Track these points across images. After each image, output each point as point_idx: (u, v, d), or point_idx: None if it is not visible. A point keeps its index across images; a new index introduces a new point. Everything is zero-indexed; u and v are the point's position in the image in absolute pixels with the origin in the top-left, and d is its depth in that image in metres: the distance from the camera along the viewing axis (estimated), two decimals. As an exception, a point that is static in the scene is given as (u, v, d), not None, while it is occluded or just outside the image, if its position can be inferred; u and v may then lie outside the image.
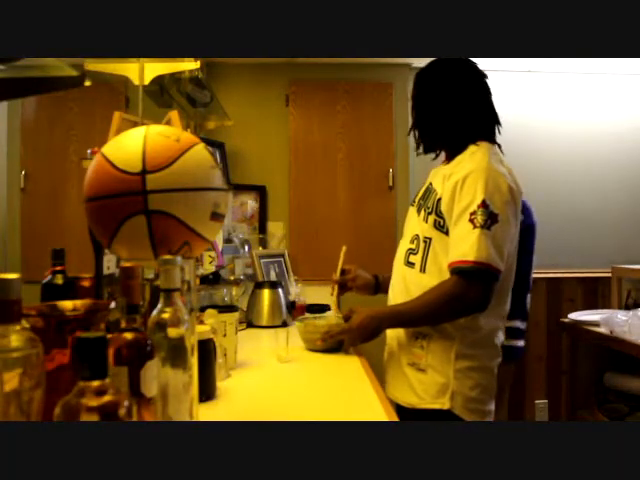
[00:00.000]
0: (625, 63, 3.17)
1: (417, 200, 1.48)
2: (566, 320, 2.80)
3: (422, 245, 1.39)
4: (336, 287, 1.67)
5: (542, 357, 3.16)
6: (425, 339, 1.38)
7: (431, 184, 1.44)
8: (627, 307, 2.86)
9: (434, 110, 1.44)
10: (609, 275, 3.04)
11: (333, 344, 1.56)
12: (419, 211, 1.43)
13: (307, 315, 1.90)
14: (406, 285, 1.43)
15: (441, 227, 1.35)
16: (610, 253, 3.19)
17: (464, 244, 1.28)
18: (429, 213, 1.38)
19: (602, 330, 2.49)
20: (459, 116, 1.42)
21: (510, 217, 1.30)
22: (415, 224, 1.44)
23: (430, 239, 1.37)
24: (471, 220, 1.28)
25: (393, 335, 1.48)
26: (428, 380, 1.37)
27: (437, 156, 1.52)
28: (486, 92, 1.47)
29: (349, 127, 3.18)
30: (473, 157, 1.37)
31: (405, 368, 1.42)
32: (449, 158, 1.47)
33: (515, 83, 3.27)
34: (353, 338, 1.44)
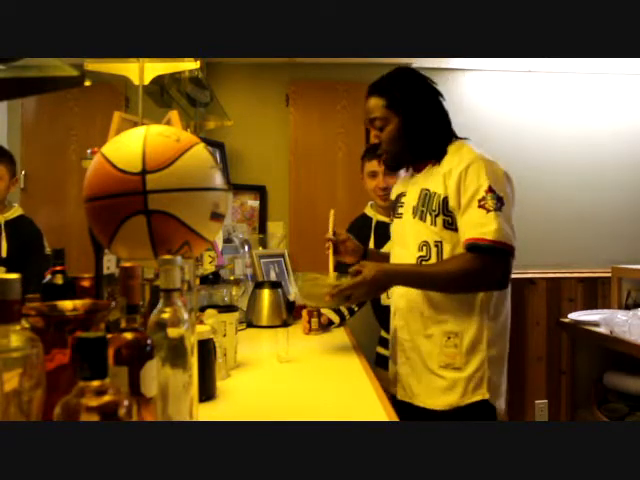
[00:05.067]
0: (625, 63, 3.17)
1: (413, 209, 1.46)
2: (566, 320, 2.80)
3: (434, 250, 1.41)
4: (331, 246, 1.62)
5: (542, 357, 3.16)
6: (458, 337, 1.40)
7: (427, 189, 1.43)
8: (627, 307, 2.86)
9: (424, 118, 1.45)
10: (609, 275, 3.04)
11: (340, 300, 1.45)
12: (423, 217, 1.43)
13: (306, 273, 1.78)
14: (421, 291, 1.43)
15: (450, 225, 1.39)
16: (610, 253, 3.19)
17: (480, 226, 1.31)
18: (436, 215, 1.40)
19: (602, 330, 2.49)
20: (440, 120, 1.47)
21: (510, 199, 1.38)
22: (420, 231, 1.43)
23: (441, 242, 1.40)
24: (482, 206, 1.32)
25: (414, 345, 1.45)
26: (466, 376, 1.39)
27: (405, 169, 1.58)
28: (438, 93, 1.51)
29: (349, 127, 3.18)
30: (462, 152, 1.41)
31: (439, 372, 1.41)
32: (421, 166, 1.49)
33: (515, 83, 3.27)
34: (365, 292, 1.40)
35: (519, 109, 3.25)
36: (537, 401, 3.16)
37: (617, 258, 3.10)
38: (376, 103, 1.46)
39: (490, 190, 1.33)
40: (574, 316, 2.76)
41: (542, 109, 3.28)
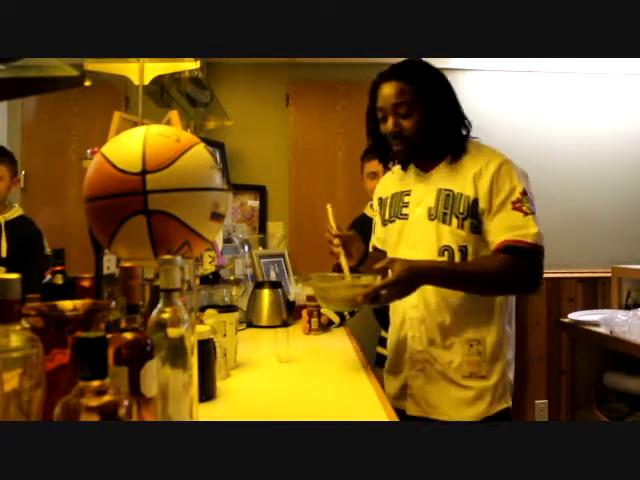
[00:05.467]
0: (625, 63, 3.17)
1: (430, 211, 1.36)
2: (566, 320, 2.80)
3: (458, 255, 1.33)
4: (340, 245, 1.39)
5: (542, 357, 3.16)
6: (480, 344, 1.35)
7: (450, 190, 1.35)
8: (627, 307, 2.86)
9: (449, 111, 1.37)
10: (609, 275, 3.04)
11: (369, 302, 1.27)
12: (445, 220, 1.34)
13: (318, 274, 1.44)
14: (444, 298, 1.35)
15: (476, 229, 1.33)
16: (610, 253, 3.19)
17: (518, 229, 1.27)
18: (464, 218, 1.32)
19: (602, 330, 2.49)
20: (461, 116, 1.40)
21: (534, 200, 1.35)
22: (442, 235, 1.34)
23: (466, 246, 1.33)
24: (518, 208, 1.29)
25: (430, 356, 1.37)
26: (493, 384, 1.35)
27: (401, 166, 1.47)
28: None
29: (349, 127, 3.18)
30: (484, 151, 1.37)
31: (463, 382, 1.35)
32: (430, 163, 1.40)
33: (515, 83, 3.27)
34: (397, 292, 1.25)
35: (519, 109, 3.25)
36: (537, 401, 3.16)
37: (617, 258, 3.10)
38: (403, 88, 1.33)
39: (525, 193, 1.31)
40: (574, 316, 2.76)
41: (542, 109, 3.28)
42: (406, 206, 1.44)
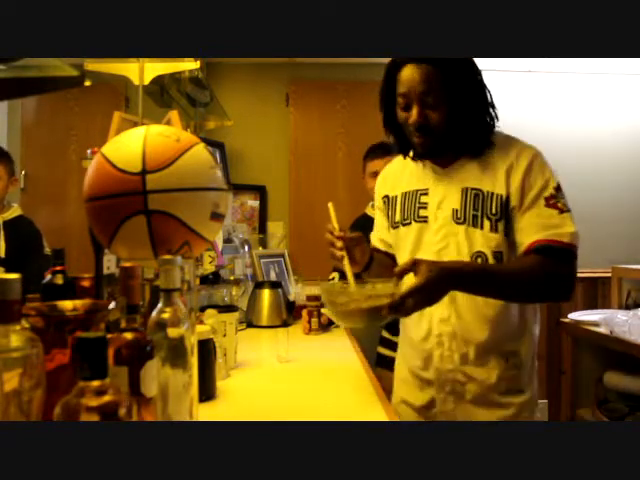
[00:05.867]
0: (625, 63, 3.17)
1: (455, 213, 1.22)
2: (566, 320, 2.80)
3: (493, 262, 1.19)
4: (344, 249, 1.23)
5: (542, 357, 3.16)
6: (517, 356, 1.23)
7: (479, 189, 1.20)
8: (627, 307, 2.86)
9: (480, 102, 1.21)
10: (609, 275, 3.04)
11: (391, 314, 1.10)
12: (477, 224, 1.19)
13: (324, 285, 1.28)
14: (477, 307, 1.20)
15: (507, 234, 1.19)
16: (610, 253, 3.19)
17: (554, 227, 1.16)
18: (498, 220, 1.18)
19: (602, 330, 2.49)
20: (490, 105, 1.24)
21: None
22: (474, 240, 1.20)
23: (501, 252, 1.19)
24: (552, 205, 1.17)
25: (462, 375, 1.23)
26: (531, 397, 1.26)
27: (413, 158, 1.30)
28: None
29: (349, 127, 3.18)
30: (513, 143, 1.23)
31: (501, 400, 1.22)
32: (449, 159, 1.24)
33: (515, 83, 3.27)
34: (425, 299, 1.06)
35: (519, 109, 3.25)
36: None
37: (617, 258, 3.11)
38: (430, 72, 1.14)
39: (559, 187, 1.19)
40: (574, 316, 2.77)
41: (542, 109, 3.28)
42: (424, 207, 1.26)
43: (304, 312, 2.03)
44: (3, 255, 2.14)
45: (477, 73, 1.21)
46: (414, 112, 1.17)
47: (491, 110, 1.23)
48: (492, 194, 1.19)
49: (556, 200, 1.18)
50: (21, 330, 0.62)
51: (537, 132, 3.27)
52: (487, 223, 1.19)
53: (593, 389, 2.71)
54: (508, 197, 1.18)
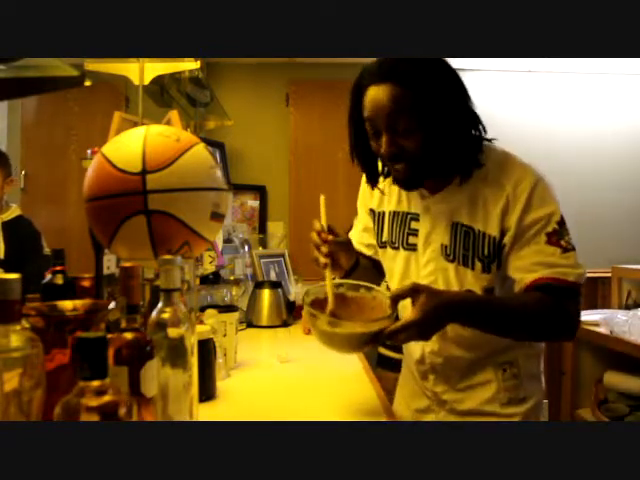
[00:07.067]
0: (625, 63, 3.17)
1: (444, 249, 1.12)
2: (566, 320, 2.80)
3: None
4: (328, 256, 1.13)
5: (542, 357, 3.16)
6: (514, 366, 1.18)
7: (470, 227, 1.09)
8: (627, 307, 2.86)
9: (460, 122, 1.05)
10: (609, 275, 3.04)
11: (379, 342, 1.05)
12: (468, 264, 1.10)
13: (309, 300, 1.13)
14: (463, 329, 1.11)
15: (499, 268, 1.10)
16: (610, 253, 3.19)
17: (556, 267, 1.06)
18: (490, 262, 1.08)
19: (602, 330, 2.49)
20: (476, 120, 1.09)
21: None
22: (464, 279, 1.10)
23: (492, 289, 1.10)
24: (555, 243, 1.06)
25: (460, 395, 1.18)
26: (535, 403, 1.23)
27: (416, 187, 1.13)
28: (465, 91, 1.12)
29: (349, 127, 3.18)
30: (508, 168, 1.09)
31: (502, 411, 1.17)
32: (439, 183, 1.12)
33: (515, 83, 3.27)
34: (420, 333, 0.97)
35: (519, 109, 3.25)
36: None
37: (617, 258, 3.10)
38: (401, 97, 0.99)
39: (563, 221, 1.07)
40: (574, 316, 2.76)
41: (542, 109, 3.28)
42: (414, 234, 1.16)
43: (304, 312, 2.03)
44: (2, 256, 2.14)
45: (455, 85, 1.07)
46: (383, 141, 1.03)
47: (477, 123, 1.08)
48: (484, 235, 1.08)
49: (559, 237, 1.06)
50: (21, 330, 0.62)
51: (537, 132, 3.28)
52: (479, 264, 1.09)
53: (593, 389, 2.70)
54: (502, 237, 1.07)
